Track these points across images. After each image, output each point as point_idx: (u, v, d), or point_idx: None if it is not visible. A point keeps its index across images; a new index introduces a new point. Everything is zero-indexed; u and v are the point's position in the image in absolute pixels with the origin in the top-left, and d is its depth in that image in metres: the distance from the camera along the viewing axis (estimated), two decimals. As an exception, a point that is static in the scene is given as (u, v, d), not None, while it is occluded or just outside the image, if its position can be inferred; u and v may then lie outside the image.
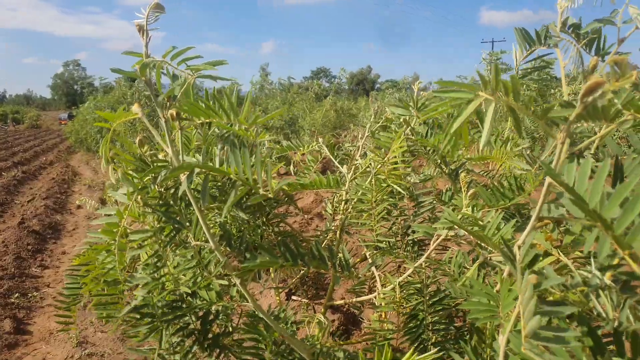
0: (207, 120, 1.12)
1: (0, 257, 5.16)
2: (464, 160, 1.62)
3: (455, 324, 1.63)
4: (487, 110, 0.68)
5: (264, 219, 1.78)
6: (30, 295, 4.38)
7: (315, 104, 14.21)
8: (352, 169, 1.72)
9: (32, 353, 3.42)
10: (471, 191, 1.35)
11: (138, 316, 1.40)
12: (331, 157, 1.88)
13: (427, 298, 1.59)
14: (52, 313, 4.11)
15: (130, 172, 1.37)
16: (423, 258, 1.50)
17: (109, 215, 1.31)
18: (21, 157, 16.65)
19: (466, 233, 1.25)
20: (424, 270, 1.60)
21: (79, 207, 8.67)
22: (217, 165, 1.14)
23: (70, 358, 3.24)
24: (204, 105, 1.09)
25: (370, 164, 1.59)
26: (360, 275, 1.99)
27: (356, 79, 79.12)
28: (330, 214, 2.03)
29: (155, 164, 1.30)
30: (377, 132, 1.77)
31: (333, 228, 1.84)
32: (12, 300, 4.15)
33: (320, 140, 1.96)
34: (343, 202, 1.74)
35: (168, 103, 1.19)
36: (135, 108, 1.24)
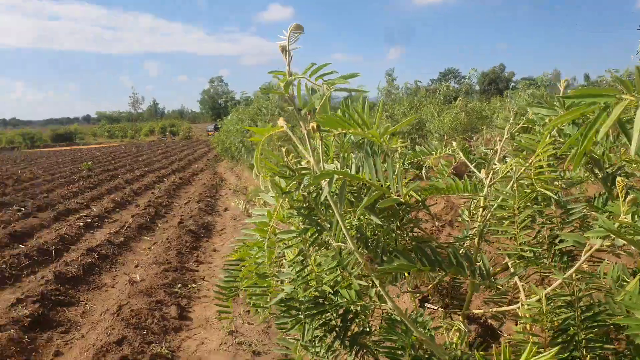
0: (343, 131, 1.19)
1: (166, 252, 5.97)
2: (622, 163, 1.46)
3: (614, 345, 1.48)
4: (637, 114, 0.63)
5: (398, 224, 1.81)
6: (189, 286, 4.99)
7: (443, 106, 13.75)
8: (491, 173, 1.66)
9: (193, 337, 3.90)
10: (630, 197, 1.22)
11: (284, 308, 1.52)
12: (466, 161, 1.84)
13: (579, 313, 1.47)
14: (207, 303, 4.63)
15: (277, 178, 1.51)
16: (574, 269, 1.39)
17: (260, 215, 1.46)
18: (178, 165, 18.99)
19: (625, 243, 1.14)
20: (574, 283, 1.48)
21: (225, 209, 9.61)
22: (353, 172, 1.21)
23: (224, 344, 3.62)
24: (339, 118, 1.17)
25: (511, 168, 1.53)
26: (500, 285, 1.90)
27: (488, 79, 74.46)
28: (467, 221, 1.99)
29: (299, 172, 1.42)
30: (517, 134, 1.69)
31: (470, 235, 1.79)
32: (176, 290, 4.77)
33: (454, 144, 1.93)
34: (481, 209, 1.69)
35: (309, 116, 1.30)
36: (281, 122, 1.38)
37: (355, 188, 1.56)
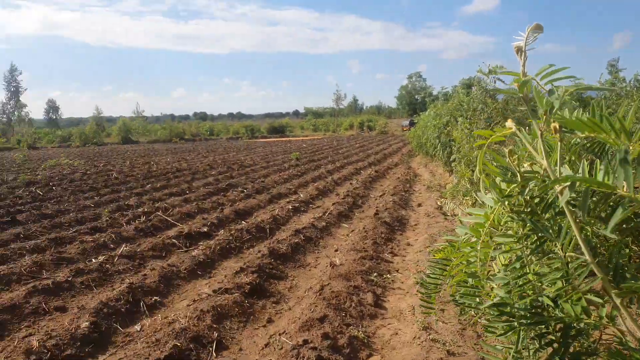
0: (592, 135, 1.09)
1: (363, 241, 6.31)
2: None
3: None
4: None
5: (633, 239, 1.57)
6: (384, 276, 5.20)
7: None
8: None
9: (387, 326, 4.06)
10: None
11: (497, 313, 1.48)
12: None
13: None
14: (401, 295, 4.75)
15: (497, 180, 1.47)
16: None
17: (475, 215, 1.44)
18: (373, 158, 19.73)
19: None
20: None
21: (419, 204, 9.64)
22: (600, 179, 1.09)
23: (417, 338, 3.68)
24: (591, 121, 1.07)
25: None
26: None
27: None
28: None
29: (523, 175, 1.36)
30: None
31: None
32: (372, 278, 5.02)
33: None
34: None
35: (545, 117, 1.22)
36: (509, 123, 1.33)
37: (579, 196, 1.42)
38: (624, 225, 1.55)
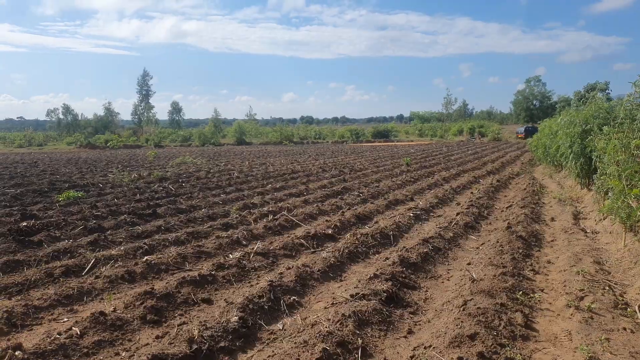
0: None
1: (499, 255, 5.90)
2: None
3: None
4: None
5: None
6: (530, 295, 4.78)
7: None
8: None
9: (542, 350, 3.71)
10: None
11: None
12: None
13: None
14: (551, 317, 4.33)
15: None
16: None
17: None
18: (491, 167, 18.66)
19: None
20: None
21: (552, 219, 8.84)
22: None
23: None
24: None
25: None
26: None
27: None
28: None
29: None
30: None
31: None
32: (517, 296, 4.65)
33: None
34: None
35: None
36: None
37: None
38: None
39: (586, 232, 7.71)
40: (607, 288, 4.85)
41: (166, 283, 5.15)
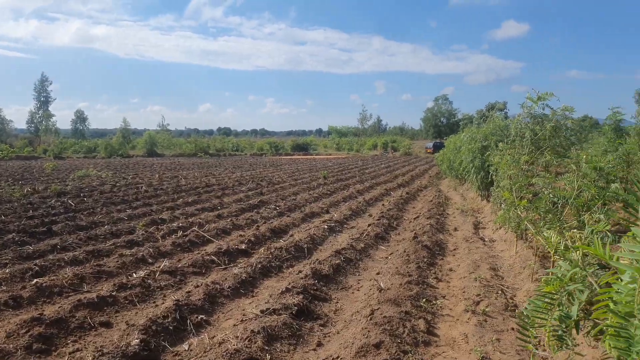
0: None
1: (405, 264, 6.15)
2: None
3: None
4: None
5: None
6: (432, 302, 5.02)
7: None
8: None
9: (442, 354, 3.89)
10: None
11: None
12: None
13: None
14: (451, 322, 4.57)
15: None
16: None
17: (635, 252, 1.32)
18: (402, 180, 19.55)
19: None
20: None
21: (455, 229, 9.42)
22: None
23: (484, 371, 3.49)
24: None
25: None
26: None
27: None
28: None
29: None
30: None
31: None
32: (421, 304, 4.86)
33: None
34: None
35: None
36: None
37: None
38: None
39: (484, 240, 8.30)
40: (500, 292, 5.24)
41: (59, 307, 4.71)
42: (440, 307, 4.98)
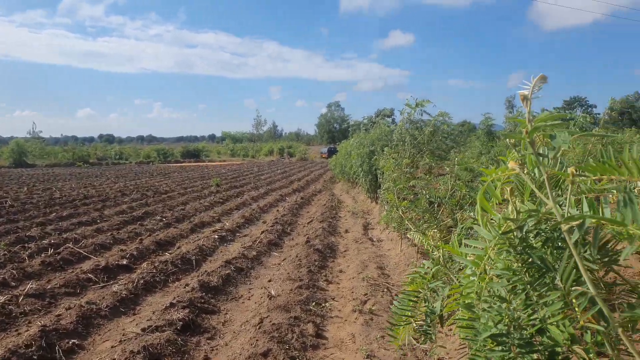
0: (602, 177, 1.11)
1: (297, 269, 6.18)
2: None
3: None
4: None
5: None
6: (322, 305, 5.09)
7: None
8: None
9: (330, 356, 3.95)
10: None
11: (494, 343, 1.46)
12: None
13: None
14: (340, 324, 4.67)
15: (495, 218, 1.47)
16: None
17: (474, 247, 1.42)
18: (297, 185, 19.77)
19: None
20: None
21: (346, 231, 9.73)
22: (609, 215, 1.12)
23: (367, 369, 3.60)
24: (610, 165, 1.09)
25: None
26: None
27: (619, 108, 67.07)
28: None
29: (522, 213, 1.36)
30: None
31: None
32: (311, 307, 4.90)
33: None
34: None
35: (552, 159, 1.24)
36: (512, 165, 1.34)
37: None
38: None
39: (373, 240, 8.68)
40: (385, 290, 5.48)
41: None
42: (330, 309, 5.07)
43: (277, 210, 12.19)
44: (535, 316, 1.43)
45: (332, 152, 44.55)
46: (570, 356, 1.47)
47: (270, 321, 4.32)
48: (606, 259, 1.32)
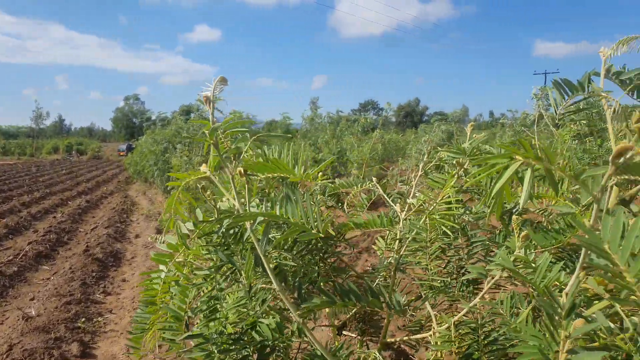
0: (270, 175, 1.22)
1: (69, 283, 5.50)
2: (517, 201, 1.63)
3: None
4: (525, 174, 0.75)
5: (321, 256, 1.86)
6: (94, 320, 4.63)
7: (363, 137, 14.30)
8: (406, 207, 1.77)
9: (95, 377, 3.61)
10: (523, 233, 1.37)
11: (197, 344, 1.50)
12: (385, 196, 1.94)
13: (482, 338, 1.60)
14: (115, 338, 4.32)
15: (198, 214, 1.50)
16: (477, 298, 1.51)
17: (169, 247, 1.43)
18: (84, 187, 17.73)
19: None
20: (478, 310, 1.61)
21: (137, 236, 9.11)
22: (277, 212, 1.23)
23: (132, 384, 3.38)
24: (265, 164, 1.19)
25: (423, 203, 1.64)
26: (413, 313, 2.01)
27: (404, 111, 79.69)
28: (382, 250, 2.08)
29: (221, 213, 1.42)
30: (430, 171, 1.82)
31: (387, 265, 1.88)
32: (79, 324, 4.40)
33: (373, 179, 2.02)
34: (397, 241, 1.78)
35: (233, 160, 1.31)
36: (203, 168, 1.38)
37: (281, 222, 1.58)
38: (310, 247, 1.81)
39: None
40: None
41: None
42: (104, 323, 4.65)
43: (54, 217, 10.69)
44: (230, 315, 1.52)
45: (130, 149, 41.28)
46: (277, 347, 1.60)
47: (22, 347, 3.74)
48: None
